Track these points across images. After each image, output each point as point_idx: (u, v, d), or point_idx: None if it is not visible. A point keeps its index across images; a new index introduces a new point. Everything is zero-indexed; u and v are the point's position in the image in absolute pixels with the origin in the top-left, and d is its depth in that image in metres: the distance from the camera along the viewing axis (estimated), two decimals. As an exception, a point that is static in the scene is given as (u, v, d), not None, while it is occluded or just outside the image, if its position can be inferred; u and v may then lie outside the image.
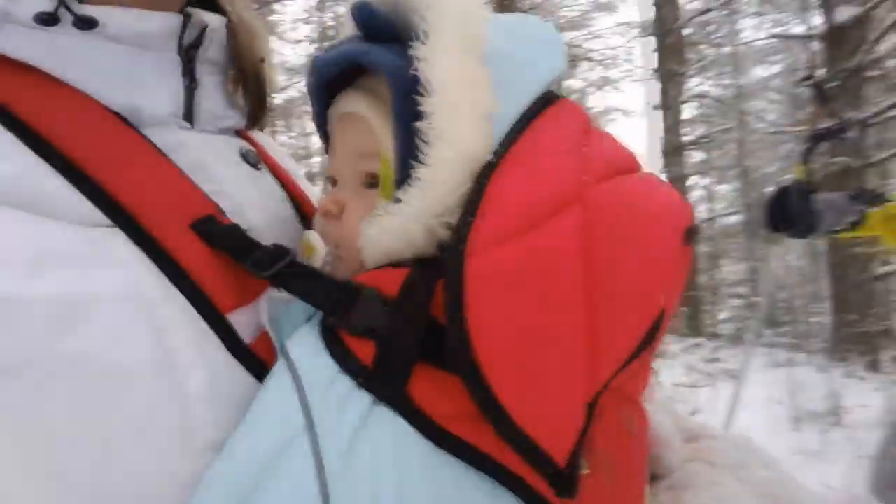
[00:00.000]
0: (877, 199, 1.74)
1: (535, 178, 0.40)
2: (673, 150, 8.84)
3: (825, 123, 2.11)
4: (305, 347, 0.40)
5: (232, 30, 0.52)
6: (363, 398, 0.38)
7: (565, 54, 0.48)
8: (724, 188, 13.22)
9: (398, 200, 0.42)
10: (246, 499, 0.36)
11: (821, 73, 5.35)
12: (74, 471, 0.35)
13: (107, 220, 0.39)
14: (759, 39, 9.34)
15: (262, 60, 0.55)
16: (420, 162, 0.41)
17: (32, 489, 0.34)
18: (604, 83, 11.28)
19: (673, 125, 8.93)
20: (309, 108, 0.60)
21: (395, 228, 0.41)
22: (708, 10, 8.21)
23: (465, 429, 0.37)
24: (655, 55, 8.80)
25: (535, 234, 0.37)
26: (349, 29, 0.48)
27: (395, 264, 0.42)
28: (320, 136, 0.54)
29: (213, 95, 0.51)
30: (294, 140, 11.78)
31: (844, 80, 5.30)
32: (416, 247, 0.41)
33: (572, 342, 0.37)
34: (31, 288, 0.35)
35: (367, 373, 0.38)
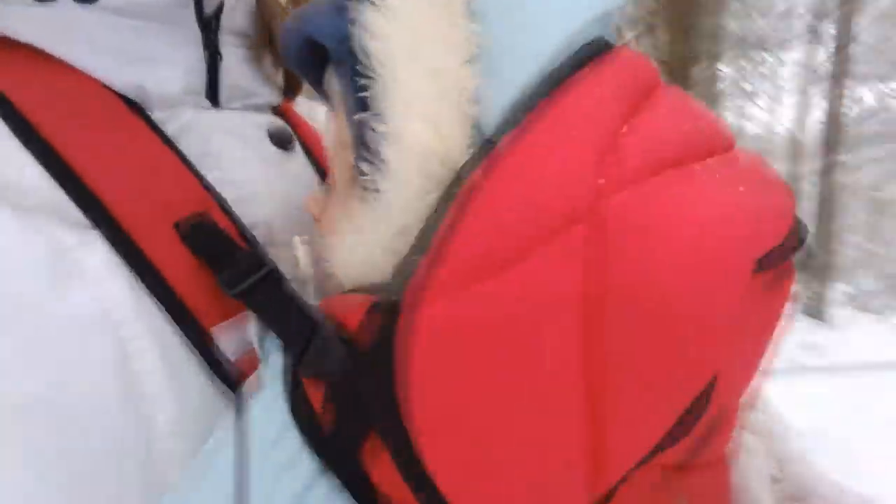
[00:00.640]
0: None
1: (524, 188, 0.27)
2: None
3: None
4: (264, 389, 0.33)
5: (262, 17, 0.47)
6: (309, 463, 0.30)
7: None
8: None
9: (368, 203, 0.32)
10: None
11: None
12: None
13: (85, 220, 0.35)
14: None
15: None
16: (374, 167, 0.31)
17: None
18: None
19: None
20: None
21: (353, 248, 0.32)
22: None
23: None
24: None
25: (510, 273, 0.25)
26: None
27: (371, 290, 0.32)
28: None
29: (239, 69, 0.46)
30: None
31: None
32: (383, 271, 0.31)
33: (559, 435, 0.26)
34: None
35: (316, 427, 0.30)
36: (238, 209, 0.41)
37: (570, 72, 0.30)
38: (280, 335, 0.34)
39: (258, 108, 0.48)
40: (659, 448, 0.28)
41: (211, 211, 0.39)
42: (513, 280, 0.25)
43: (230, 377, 0.37)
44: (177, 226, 0.37)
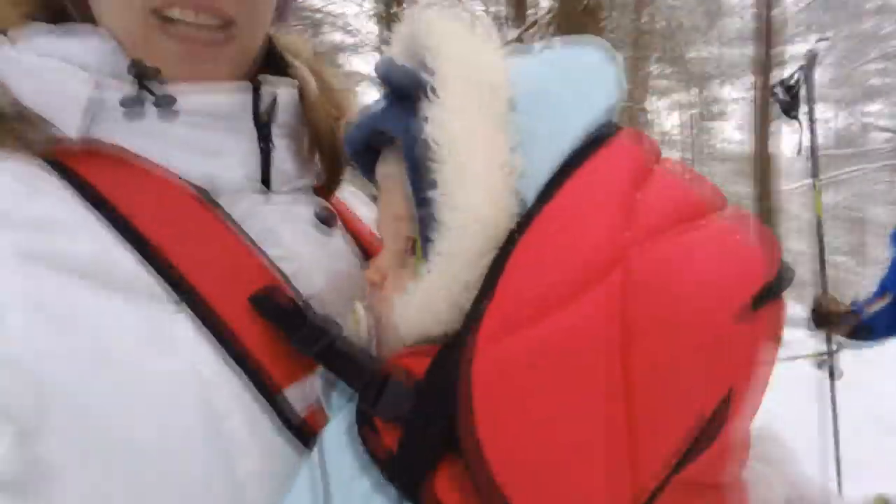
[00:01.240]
0: None
1: (563, 245, 0.33)
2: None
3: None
4: (338, 435, 0.38)
5: (303, 93, 0.54)
6: (388, 495, 0.35)
7: (619, 80, 0.42)
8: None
9: (427, 272, 0.39)
10: None
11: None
12: None
13: (174, 297, 0.41)
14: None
15: (338, 119, 0.57)
16: (437, 233, 0.37)
17: None
18: (346, 47, 11.00)
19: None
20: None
21: (420, 306, 0.38)
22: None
23: None
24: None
25: (557, 317, 0.31)
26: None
27: (432, 341, 0.39)
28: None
29: (287, 158, 0.53)
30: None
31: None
32: (446, 323, 0.37)
33: (605, 450, 0.31)
34: (97, 374, 0.37)
35: (391, 463, 0.35)
36: (295, 282, 0.47)
37: (591, 150, 0.37)
38: (354, 386, 0.39)
39: (303, 190, 0.55)
40: (686, 458, 0.33)
41: (274, 285, 0.45)
42: (553, 324, 0.31)
43: (302, 430, 0.42)
44: (251, 299, 0.43)
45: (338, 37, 10.08)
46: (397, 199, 0.43)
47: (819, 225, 2.81)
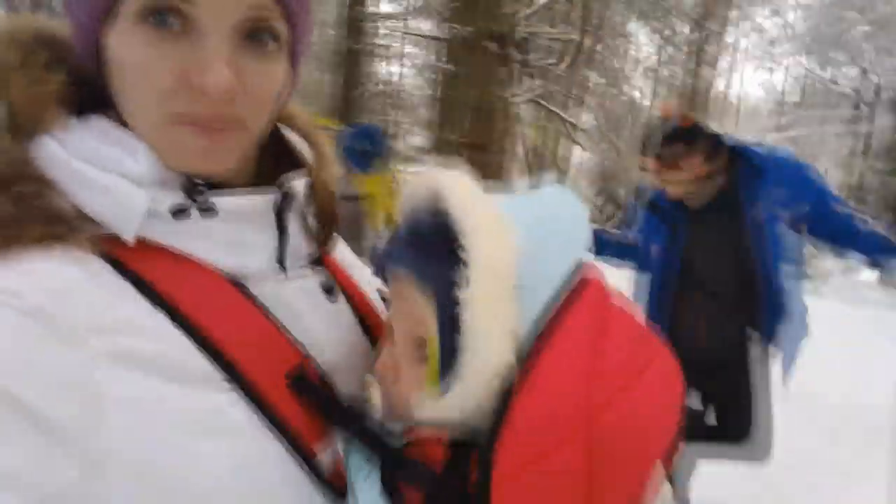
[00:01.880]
0: None
1: (550, 406, 0.47)
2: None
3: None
4: (369, 494, 0.51)
5: (312, 183, 0.61)
6: None
7: (587, 229, 0.54)
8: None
9: (442, 393, 0.50)
10: None
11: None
12: None
13: (226, 383, 0.49)
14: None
15: (333, 187, 0.64)
16: (458, 369, 0.49)
17: None
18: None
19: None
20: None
21: (438, 412, 0.50)
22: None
23: None
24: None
25: (547, 461, 0.46)
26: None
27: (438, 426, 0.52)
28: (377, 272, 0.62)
29: (297, 238, 0.60)
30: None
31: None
32: (455, 427, 0.50)
33: None
34: (185, 457, 0.45)
35: None
36: (314, 355, 0.56)
37: (568, 302, 0.50)
38: (381, 460, 0.52)
39: (308, 261, 0.62)
40: None
41: (303, 362, 0.54)
42: (546, 465, 0.46)
43: (332, 484, 0.53)
44: (289, 380, 0.52)
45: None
46: (413, 305, 0.53)
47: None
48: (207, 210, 0.51)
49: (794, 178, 2.15)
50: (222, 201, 0.52)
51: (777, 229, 2.13)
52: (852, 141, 17.29)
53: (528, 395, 0.47)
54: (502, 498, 0.46)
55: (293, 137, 0.63)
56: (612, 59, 14.94)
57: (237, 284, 0.53)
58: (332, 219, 0.65)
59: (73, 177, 0.48)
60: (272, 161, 0.61)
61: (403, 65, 16.19)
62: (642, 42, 17.16)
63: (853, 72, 18.21)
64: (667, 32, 15.95)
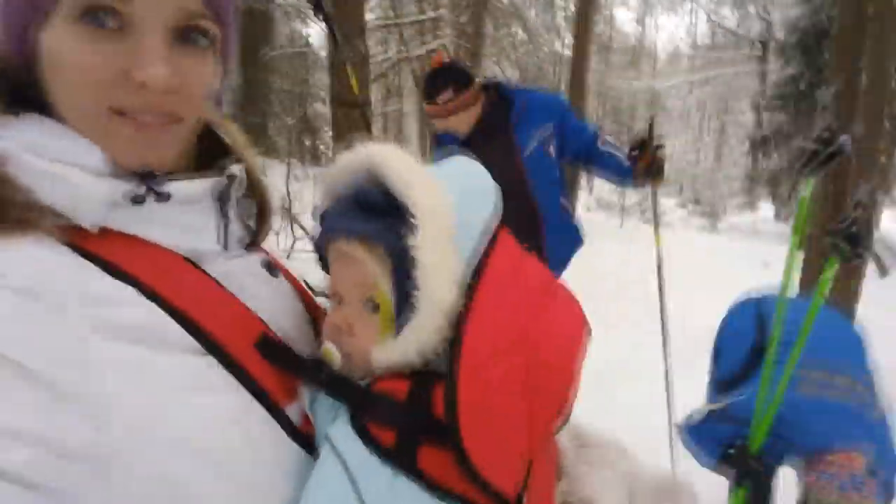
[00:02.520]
0: None
1: (494, 328, 0.56)
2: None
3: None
4: (343, 437, 0.58)
5: (248, 172, 0.66)
6: (387, 471, 0.56)
7: (498, 193, 0.64)
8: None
9: (398, 335, 0.58)
10: None
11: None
12: None
13: (202, 349, 0.53)
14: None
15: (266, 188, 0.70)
16: (413, 313, 0.57)
17: None
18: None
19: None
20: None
21: (397, 355, 0.58)
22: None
23: (453, 482, 0.56)
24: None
25: (497, 369, 0.55)
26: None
27: (396, 370, 0.59)
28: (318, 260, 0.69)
29: (236, 224, 0.65)
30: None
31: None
32: (412, 364, 0.59)
33: (518, 429, 0.57)
34: (164, 413, 0.49)
35: (389, 452, 0.56)
36: (269, 324, 0.61)
37: (491, 244, 0.61)
38: (350, 405, 0.58)
39: (246, 247, 0.67)
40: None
41: (264, 328, 0.60)
42: (497, 372, 0.55)
43: (301, 436, 0.59)
44: (257, 345, 0.58)
45: None
46: (362, 273, 0.60)
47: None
48: (161, 195, 0.55)
49: (536, 104, 2.57)
50: (175, 186, 0.56)
51: (534, 150, 2.53)
52: (761, 85, 18.13)
53: (476, 322, 0.56)
54: (470, 414, 0.53)
55: (219, 127, 0.67)
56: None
57: (193, 263, 0.58)
58: (268, 216, 0.70)
59: (28, 169, 0.50)
60: (201, 150, 0.65)
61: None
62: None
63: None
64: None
